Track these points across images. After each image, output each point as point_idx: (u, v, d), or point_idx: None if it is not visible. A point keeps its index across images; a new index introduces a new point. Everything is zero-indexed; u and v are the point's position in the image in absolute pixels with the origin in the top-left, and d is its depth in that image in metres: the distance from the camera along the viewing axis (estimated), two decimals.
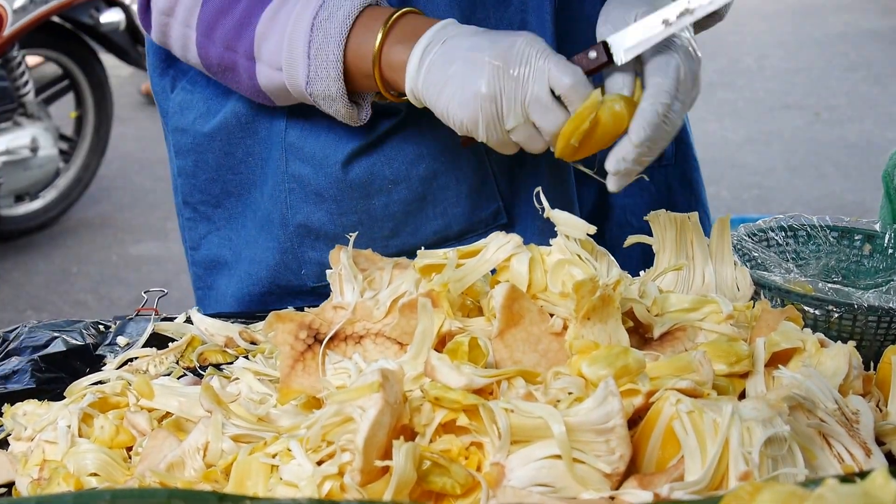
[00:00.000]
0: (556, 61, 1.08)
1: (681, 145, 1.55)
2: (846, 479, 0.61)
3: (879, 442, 0.84)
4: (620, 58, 1.10)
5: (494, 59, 1.08)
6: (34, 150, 4.74)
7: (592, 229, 0.97)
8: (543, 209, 0.99)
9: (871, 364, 0.98)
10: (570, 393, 0.82)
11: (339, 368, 0.91)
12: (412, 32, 1.16)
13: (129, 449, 0.96)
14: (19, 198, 4.81)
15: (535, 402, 0.81)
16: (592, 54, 1.10)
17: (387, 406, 0.77)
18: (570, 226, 0.97)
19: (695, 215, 1.09)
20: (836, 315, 1.08)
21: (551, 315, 0.92)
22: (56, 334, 1.21)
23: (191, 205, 1.48)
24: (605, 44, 1.11)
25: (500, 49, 1.09)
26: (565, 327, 0.91)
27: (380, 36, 1.17)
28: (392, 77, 1.18)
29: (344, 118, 1.24)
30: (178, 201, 1.51)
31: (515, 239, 0.97)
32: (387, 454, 0.77)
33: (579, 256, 0.96)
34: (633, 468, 0.79)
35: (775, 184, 5.24)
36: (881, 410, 0.90)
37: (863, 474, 0.60)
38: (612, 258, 0.99)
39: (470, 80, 1.09)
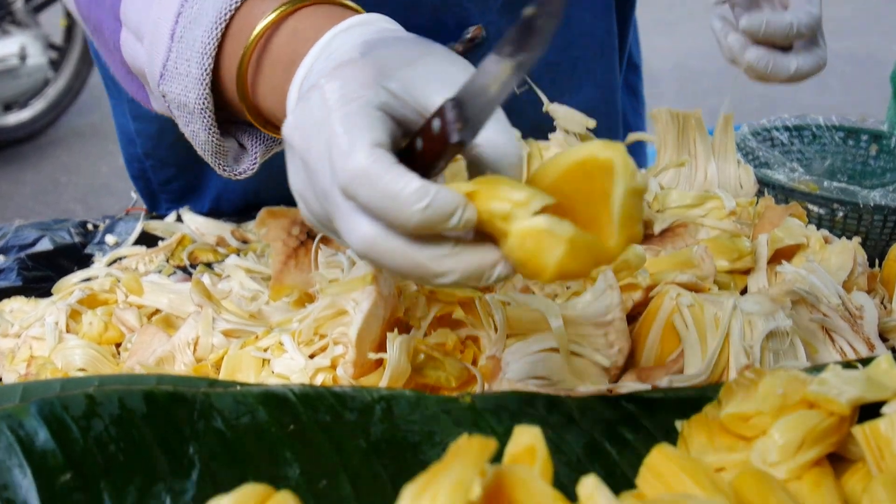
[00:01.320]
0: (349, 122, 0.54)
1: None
2: (849, 365, 0.60)
3: (883, 338, 0.83)
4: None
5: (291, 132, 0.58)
6: (23, 58, 4.66)
7: (592, 123, 0.95)
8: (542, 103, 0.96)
9: (877, 262, 0.95)
10: (567, 287, 0.81)
11: (331, 262, 0.89)
12: (302, 43, 0.67)
13: (118, 346, 0.94)
14: (8, 107, 4.73)
15: (533, 295, 0.79)
16: (436, 124, 0.54)
17: (381, 299, 0.75)
18: (569, 119, 0.94)
19: (698, 112, 1.06)
20: (841, 214, 1.06)
21: None
22: (43, 233, 1.18)
23: (154, 157, 1.32)
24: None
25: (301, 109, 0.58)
26: None
27: (259, 27, 0.69)
28: (265, 102, 0.72)
29: (205, 153, 0.76)
30: (137, 153, 1.33)
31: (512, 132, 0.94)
32: (381, 347, 0.75)
33: None
34: (631, 363, 0.78)
35: (778, 95, 5.17)
36: (886, 307, 0.88)
37: (866, 361, 0.58)
38: None
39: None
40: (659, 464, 0.50)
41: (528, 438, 0.39)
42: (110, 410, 0.55)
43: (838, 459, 0.53)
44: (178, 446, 0.54)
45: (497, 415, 0.61)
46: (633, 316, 0.80)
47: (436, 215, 0.51)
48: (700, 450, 0.54)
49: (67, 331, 0.94)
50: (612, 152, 0.49)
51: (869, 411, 0.53)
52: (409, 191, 0.50)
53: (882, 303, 0.89)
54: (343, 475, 0.53)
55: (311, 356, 0.78)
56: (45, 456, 0.53)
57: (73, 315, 0.97)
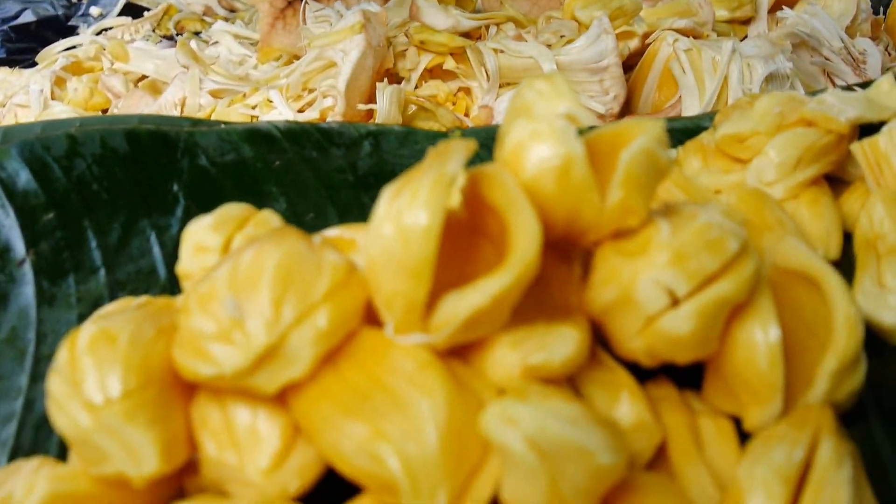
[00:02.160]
0: None
1: None
2: (849, 88, 0.58)
3: None
4: None
5: None
6: None
7: None
8: None
9: (881, 11, 0.93)
10: (562, 36, 0.78)
11: (320, 17, 0.86)
12: None
13: (105, 112, 0.93)
14: None
15: (526, 42, 0.77)
16: None
17: (369, 48, 0.73)
18: None
19: None
20: None
21: None
22: (25, 5, 1.15)
23: None
24: None
25: None
26: None
27: None
28: None
29: None
30: None
31: None
32: (370, 99, 0.73)
33: None
34: (628, 112, 0.76)
35: None
36: (890, 54, 0.86)
37: (865, 85, 0.56)
38: None
39: None
40: None
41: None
42: (92, 150, 0.54)
43: (837, 182, 0.52)
44: (161, 184, 0.53)
45: (489, 148, 0.59)
46: (629, 66, 0.78)
47: None
48: (694, 174, 0.53)
49: (52, 98, 0.93)
50: (648, 123, 0.35)
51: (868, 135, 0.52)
52: None
53: (886, 50, 0.86)
54: (330, 208, 0.52)
55: (300, 111, 0.76)
56: (27, 196, 0.52)
57: (59, 83, 0.95)
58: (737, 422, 0.35)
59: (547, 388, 0.30)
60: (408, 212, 0.31)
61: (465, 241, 0.36)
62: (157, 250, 0.50)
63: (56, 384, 0.31)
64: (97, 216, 0.51)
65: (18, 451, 0.38)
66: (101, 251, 0.50)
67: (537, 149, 0.34)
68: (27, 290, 0.47)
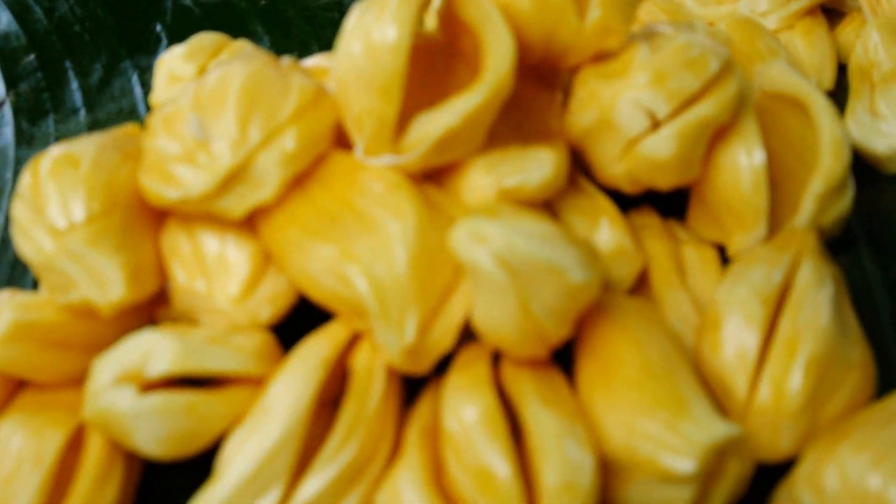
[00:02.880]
0: None
1: None
2: None
3: None
4: None
5: None
6: None
7: None
8: None
9: None
10: None
11: None
12: None
13: None
14: None
15: None
16: None
17: None
18: None
19: None
20: None
21: None
22: None
23: None
24: None
25: None
26: None
27: None
28: None
29: None
30: None
31: None
32: None
33: None
34: None
35: None
36: None
37: None
38: None
39: None
40: None
41: None
42: None
43: (833, 14, 0.50)
44: (144, 25, 0.52)
45: None
46: None
47: None
48: (688, 6, 0.51)
49: None
50: None
51: None
52: None
53: None
54: (315, 46, 0.51)
55: None
56: (7, 38, 0.51)
57: None
58: (722, 252, 0.34)
59: (519, 209, 0.29)
60: (376, 27, 0.30)
61: (442, 64, 0.35)
62: (138, 90, 0.49)
63: (19, 210, 0.30)
64: (78, 57, 0.50)
65: None
66: (81, 92, 0.49)
67: None
68: (6, 131, 0.47)
